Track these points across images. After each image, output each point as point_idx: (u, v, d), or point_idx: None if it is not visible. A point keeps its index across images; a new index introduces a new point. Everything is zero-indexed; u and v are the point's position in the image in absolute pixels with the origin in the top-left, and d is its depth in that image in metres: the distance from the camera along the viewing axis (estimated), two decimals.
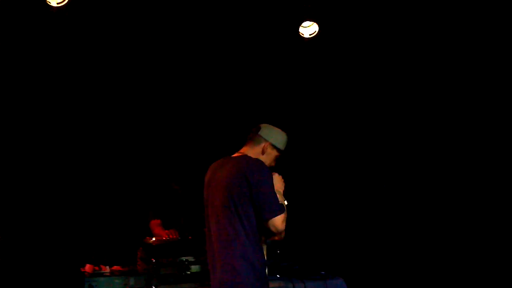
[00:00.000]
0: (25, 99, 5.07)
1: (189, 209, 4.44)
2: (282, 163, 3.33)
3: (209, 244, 3.12)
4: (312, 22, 5.03)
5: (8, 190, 4.95)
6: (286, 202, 3.21)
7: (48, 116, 5.20)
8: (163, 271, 3.81)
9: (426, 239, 5.07)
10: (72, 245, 5.05)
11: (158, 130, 5.54)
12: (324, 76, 5.77)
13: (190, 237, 4.09)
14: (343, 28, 5.35)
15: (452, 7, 4.72)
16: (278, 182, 3.22)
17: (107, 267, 3.97)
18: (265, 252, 3.21)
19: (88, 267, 3.90)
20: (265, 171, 3.05)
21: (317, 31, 5.07)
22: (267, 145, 3.26)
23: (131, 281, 3.80)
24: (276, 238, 3.08)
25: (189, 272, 3.88)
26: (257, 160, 3.12)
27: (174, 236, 4.21)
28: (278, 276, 4.20)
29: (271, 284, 4.07)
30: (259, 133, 3.29)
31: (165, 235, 4.24)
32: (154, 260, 3.76)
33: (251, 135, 3.32)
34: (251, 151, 3.25)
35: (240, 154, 3.25)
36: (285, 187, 3.29)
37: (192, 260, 3.91)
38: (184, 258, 3.89)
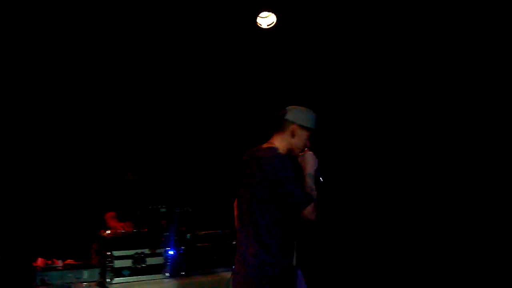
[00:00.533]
0: None
1: (145, 200, 4.37)
2: None
3: (240, 233, 3.23)
4: (269, 13, 5.02)
5: None
6: (321, 179, 3.18)
7: None
8: (118, 264, 3.75)
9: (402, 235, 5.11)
10: (24, 239, 4.92)
11: (111, 120, 5.43)
12: (284, 65, 5.76)
13: (145, 229, 4.03)
14: (301, 19, 5.34)
15: None
16: (310, 161, 3.17)
17: (60, 261, 3.87)
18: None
19: (40, 261, 3.80)
20: (284, 167, 3.05)
21: (275, 21, 5.07)
22: (295, 127, 3.22)
23: (85, 275, 3.73)
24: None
25: (144, 265, 3.83)
26: (275, 156, 3.10)
27: (129, 229, 4.16)
28: (233, 267, 4.20)
29: (228, 275, 4.08)
30: (285, 117, 3.24)
31: (120, 227, 4.18)
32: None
33: (278, 122, 3.27)
34: (280, 138, 3.24)
35: (268, 146, 3.23)
36: (318, 162, 3.20)
37: (148, 252, 3.87)
38: (139, 251, 3.84)
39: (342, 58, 5.50)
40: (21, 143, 5.14)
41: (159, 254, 3.90)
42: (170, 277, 3.91)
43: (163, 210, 3.99)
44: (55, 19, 4.80)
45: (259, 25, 5.11)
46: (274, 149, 3.17)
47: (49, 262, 3.84)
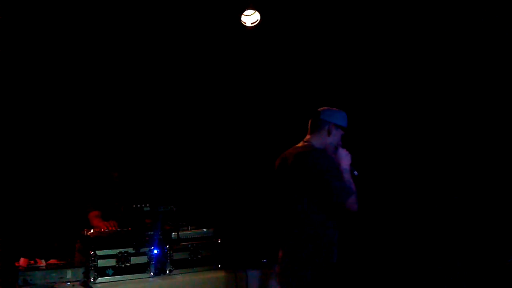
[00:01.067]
0: None
1: (128, 198, 4.35)
2: None
3: (282, 225, 3.42)
4: (254, 11, 5.02)
5: None
6: (356, 173, 3.41)
7: None
8: (102, 263, 3.73)
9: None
10: (6, 238, 4.86)
11: (94, 118, 5.39)
12: (267, 64, 5.77)
13: (129, 228, 4.01)
14: (285, 17, 5.34)
15: None
16: (344, 157, 3.40)
17: (43, 260, 3.84)
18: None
19: (22, 261, 3.77)
20: (326, 160, 3.29)
21: (259, 19, 5.06)
22: (331, 126, 3.43)
23: (68, 274, 3.71)
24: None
25: (128, 264, 3.82)
26: (315, 150, 3.34)
27: (113, 228, 4.14)
28: (220, 265, 4.20)
29: (213, 274, 4.11)
30: (321, 117, 3.47)
31: (103, 226, 4.16)
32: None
33: (312, 122, 3.50)
34: (316, 136, 3.46)
35: (304, 144, 3.47)
36: (352, 158, 3.43)
37: (132, 251, 3.85)
38: (123, 250, 3.82)
39: (327, 55, 5.51)
40: (1, 141, 5.07)
41: (143, 253, 3.89)
42: (154, 276, 3.90)
43: (147, 209, 3.97)
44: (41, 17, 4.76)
45: (243, 24, 5.10)
46: (312, 145, 3.41)
47: (32, 262, 3.81)
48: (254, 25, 5.10)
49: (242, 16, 5.07)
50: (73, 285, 3.64)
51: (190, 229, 4.27)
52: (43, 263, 3.83)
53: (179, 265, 4.04)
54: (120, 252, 3.80)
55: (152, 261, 3.90)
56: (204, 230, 4.30)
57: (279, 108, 5.83)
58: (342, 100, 5.36)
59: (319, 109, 3.50)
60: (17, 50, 4.91)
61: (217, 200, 5.52)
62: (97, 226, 4.22)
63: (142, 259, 3.88)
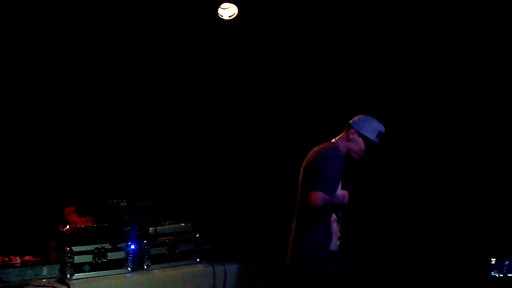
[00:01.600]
0: None
1: (105, 193, 4.30)
2: None
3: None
4: (231, 4, 4.99)
5: None
6: (340, 214, 3.56)
7: None
8: (78, 260, 3.69)
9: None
10: None
11: (69, 113, 5.31)
12: (246, 58, 5.74)
13: (106, 224, 3.97)
14: (263, 10, 5.32)
15: None
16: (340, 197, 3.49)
17: (18, 257, 3.79)
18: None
19: None
20: (332, 158, 3.44)
21: (236, 13, 5.04)
22: (353, 131, 3.55)
23: (44, 271, 3.67)
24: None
25: (105, 260, 3.78)
26: (330, 149, 3.51)
27: (90, 223, 4.09)
28: (198, 260, 4.20)
29: (191, 268, 4.10)
30: (350, 121, 3.62)
31: (80, 222, 4.10)
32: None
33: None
34: (340, 138, 3.61)
35: (330, 142, 3.62)
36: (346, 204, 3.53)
37: (109, 247, 3.82)
38: (100, 246, 3.79)
39: (305, 50, 5.51)
40: None
41: (120, 249, 3.86)
42: (132, 271, 3.87)
43: (123, 204, 3.94)
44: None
45: (221, 17, 5.07)
46: (333, 144, 3.57)
47: (6, 259, 3.75)
48: (232, 19, 5.08)
49: (219, 9, 5.04)
50: (49, 282, 3.58)
51: (168, 224, 4.25)
52: (18, 260, 3.77)
53: (157, 260, 4.02)
54: (96, 248, 3.77)
55: (130, 257, 3.87)
56: (182, 224, 4.28)
57: (257, 102, 5.82)
58: (324, 95, 5.44)
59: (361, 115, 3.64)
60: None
61: (195, 194, 5.50)
62: (73, 222, 4.16)
63: (119, 255, 3.85)
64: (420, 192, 4.83)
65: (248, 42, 5.63)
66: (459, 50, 4.66)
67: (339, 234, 3.54)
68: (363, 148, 3.56)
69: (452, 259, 4.61)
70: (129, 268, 3.86)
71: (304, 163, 3.62)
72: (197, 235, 4.24)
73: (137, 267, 3.92)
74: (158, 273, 3.96)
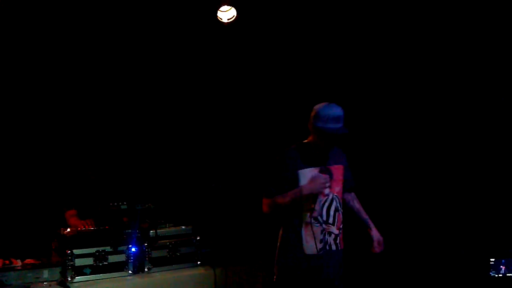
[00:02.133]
0: None
1: (105, 197, 4.30)
2: None
3: None
4: (230, 7, 5.00)
5: None
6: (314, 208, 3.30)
7: None
8: (79, 262, 3.70)
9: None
10: None
11: (70, 117, 5.31)
12: (244, 60, 5.76)
13: (107, 226, 3.98)
14: (262, 13, 5.34)
15: None
16: (312, 182, 3.24)
17: (19, 260, 3.80)
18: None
19: None
20: (272, 160, 3.40)
21: (235, 15, 5.05)
22: (311, 125, 3.29)
23: (45, 274, 3.67)
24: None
25: (106, 263, 3.80)
26: (278, 152, 3.41)
27: (90, 226, 4.10)
28: (199, 262, 4.20)
29: (192, 271, 4.11)
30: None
31: (80, 225, 4.11)
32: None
33: None
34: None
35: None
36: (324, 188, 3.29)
37: (110, 250, 3.83)
38: (101, 248, 3.80)
39: (303, 52, 5.53)
40: None
41: (121, 252, 3.87)
42: (132, 274, 3.88)
43: (124, 207, 3.96)
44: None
45: (220, 19, 5.08)
46: (296, 143, 3.43)
47: (7, 262, 3.76)
48: (231, 21, 5.09)
49: (218, 12, 5.05)
50: (50, 285, 3.60)
51: (169, 227, 4.26)
52: (18, 263, 3.78)
53: (158, 263, 4.03)
54: (97, 251, 3.79)
55: (130, 259, 3.89)
56: (183, 227, 4.29)
57: (256, 104, 5.83)
58: (324, 94, 5.44)
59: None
60: None
61: (195, 197, 5.51)
62: (74, 225, 4.16)
63: (120, 258, 3.86)
64: (420, 192, 4.85)
65: (247, 45, 5.64)
66: (459, 50, 4.69)
67: (320, 237, 3.30)
68: (326, 139, 3.26)
69: (451, 259, 4.62)
70: (130, 271, 3.88)
71: None
72: (198, 238, 4.25)
73: (138, 270, 3.94)
74: (159, 276, 3.97)
